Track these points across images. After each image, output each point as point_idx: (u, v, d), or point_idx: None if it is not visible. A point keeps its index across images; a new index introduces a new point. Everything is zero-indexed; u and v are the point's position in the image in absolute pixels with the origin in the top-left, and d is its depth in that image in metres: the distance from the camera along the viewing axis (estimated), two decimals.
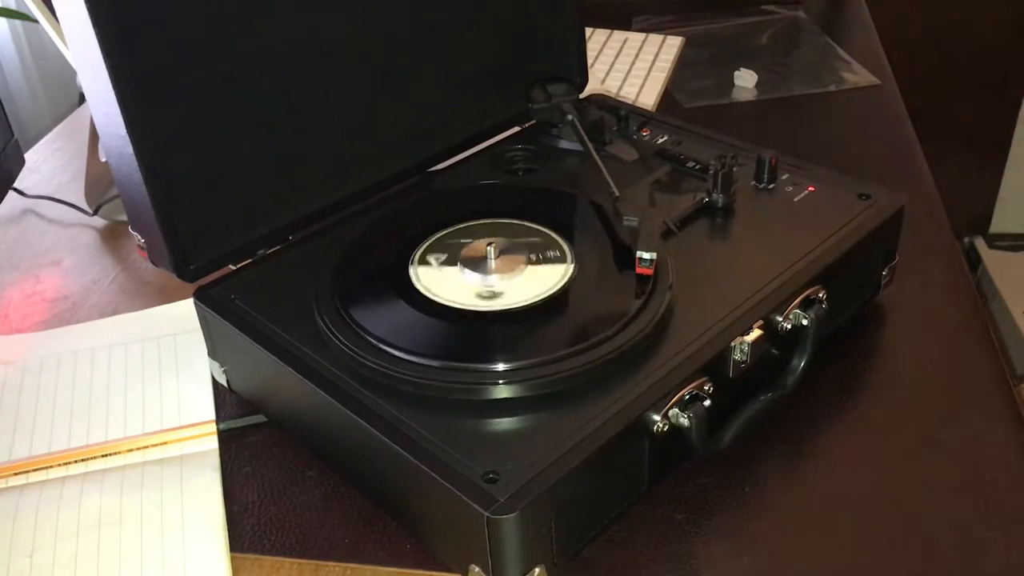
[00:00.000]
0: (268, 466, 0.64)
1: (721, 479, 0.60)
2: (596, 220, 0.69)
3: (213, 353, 0.70)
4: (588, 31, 1.23)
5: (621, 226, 0.66)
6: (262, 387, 0.67)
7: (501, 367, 0.56)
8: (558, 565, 0.54)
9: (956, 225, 0.83)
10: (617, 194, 0.69)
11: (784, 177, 0.74)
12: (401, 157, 0.78)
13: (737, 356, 0.59)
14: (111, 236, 0.94)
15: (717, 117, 1.05)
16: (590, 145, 0.76)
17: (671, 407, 0.55)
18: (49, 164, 1.08)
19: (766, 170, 0.73)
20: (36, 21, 0.88)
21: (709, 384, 0.57)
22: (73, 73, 0.78)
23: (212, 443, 0.66)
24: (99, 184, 0.95)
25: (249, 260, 0.70)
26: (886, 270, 0.72)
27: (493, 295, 0.62)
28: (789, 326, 0.61)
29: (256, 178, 0.69)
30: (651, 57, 1.18)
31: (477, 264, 0.64)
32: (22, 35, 1.74)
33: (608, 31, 1.25)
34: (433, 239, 0.68)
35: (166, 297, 0.81)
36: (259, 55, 0.67)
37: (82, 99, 1.27)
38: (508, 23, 0.83)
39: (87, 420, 0.69)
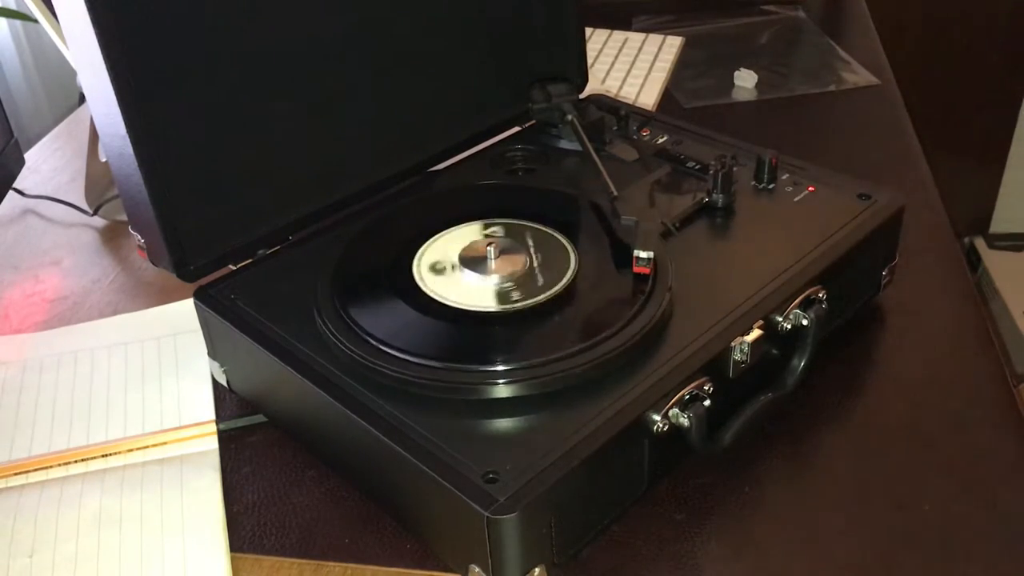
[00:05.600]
0: (268, 466, 0.64)
1: (721, 479, 0.60)
2: (596, 220, 0.69)
3: (213, 353, 0.70)
4: (588, 31, 1.23)
5: (620, 226, 0.66)
6: (262, 387, 0.66)
7: (501, 367, 0.56)
8: (558, 565, 0.54)
9: (956, 225, 0.83)
10: (615, 194, 0.69)
11: (784, 177, 0.74)
12: (401, 157, 0.78)
13: (737, 356, 0.59)
14: (111, 236, 0.94)
15: (717, 117, 1.05)
16: (589, 145, 0.76)
17: (671, 407, 0.55)
18: (49, 164, 1.08)
19: (766, 170, 0.73)
20: (36, 21, 0.88)
21: (709, 384, 0.57)
22: (73, 73, 0.78)
23: (212, 443, 0.66)
24: (99, 184, 0.95)
25: (249, 260, 0.70)
26: (886, 270, 0.72)
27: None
28: (789, 326, 0.61)
29: (256, 178, 0.69)
30: (651, 57, 1.18)
31: (477, 264, 0.64)
32: (22, 35, 1.74)
33: (608, 31, 1.25)
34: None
35: (166, 297, 0.81)
36: (259, 55, 0.67)
37: (82, 99, 1.27)
38: (508, 23, 0.83)
39: (87, 420, 0.69)
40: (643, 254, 0.62)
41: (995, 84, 1.96)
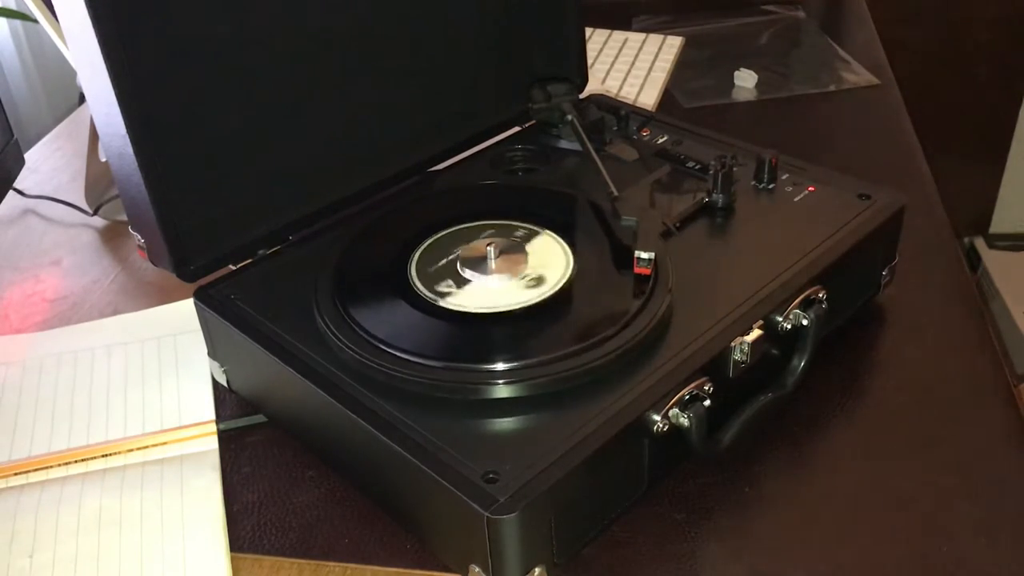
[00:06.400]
0: (268, 466, 0.64)
1: (721, 479, 0.60)
2: (596, 220, 0.69)
3: (213, 353, 0.70)
4: (588, 31, 1.23)
5: (620, 226, 0.66)
6: (262, 387, 0.67)
7: (501, 367, 0.56)
8: (558, 565, 0.54)
9: (956, 225, 0.83)
10: (616, 194, 0.69)
11: (784, 177, 0.74)
12: (401, 157, 0.78)
13: (737, 356, 0.59)
14: (111, 236, 0.94)
15: (717, 117, 1.05)
16: (589, 145, 0.76)
17: (671, 407, 0.55)
18: (49, 164, 1.08)
19: (766, 170, 0.73)
20: (36, 21, 0.88)
21: (709, 384, 0.56)
22: (73, 73, 0.77)
23: (212, 443, 0.66)
24: (99, 184, 0.95)
25: (249, 260, 0.70)
26: (886, 270, 0.72)
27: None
28: (789, 326, 0.61)
29: (256, 178, 0.69)
30: (651, 57, 1.18)
31: (477, 264, 0.64)
32: (22, 35, 1.74)
33: (608, 31, 1.25)
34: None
35: (166, 297, 0.81)
36: (259, 55, 0.67)
37: (82, 99, 1.27)
38: (508, 23, 0.83)
39: (87, 420, 0.69)
40: (643, 254, 0.62)
41: (995, 84, 1.96)
